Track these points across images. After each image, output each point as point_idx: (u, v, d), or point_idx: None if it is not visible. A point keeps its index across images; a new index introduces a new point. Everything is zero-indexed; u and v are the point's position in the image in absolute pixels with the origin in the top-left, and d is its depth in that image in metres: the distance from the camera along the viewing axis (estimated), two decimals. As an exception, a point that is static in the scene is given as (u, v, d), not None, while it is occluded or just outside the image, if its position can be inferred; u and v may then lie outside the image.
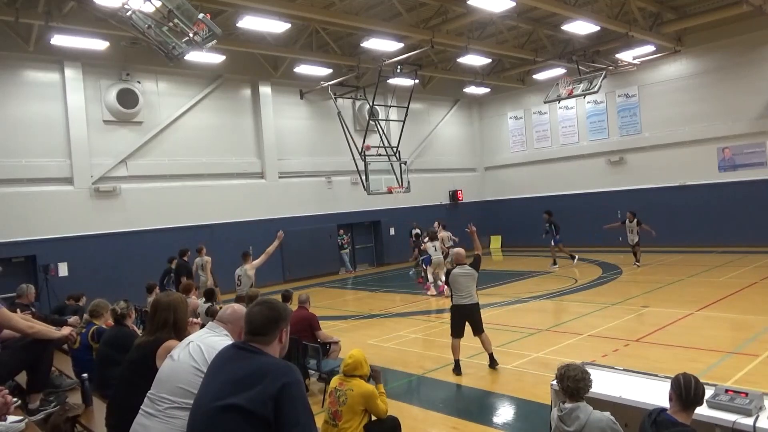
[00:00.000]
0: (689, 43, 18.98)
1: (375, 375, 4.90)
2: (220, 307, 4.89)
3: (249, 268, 10.47)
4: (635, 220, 16.33)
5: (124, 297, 5.76)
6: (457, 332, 7.89)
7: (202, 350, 3.01)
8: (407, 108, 19.57)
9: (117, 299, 5.57)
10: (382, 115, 20.84)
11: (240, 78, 18.62)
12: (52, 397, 4.77)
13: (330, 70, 18.75)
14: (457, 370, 7.86)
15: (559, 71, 20.14)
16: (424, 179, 22.98)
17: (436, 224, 17.34)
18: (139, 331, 5.89)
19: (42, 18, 12.74)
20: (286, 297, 7.77)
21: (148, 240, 15.95)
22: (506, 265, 16.01)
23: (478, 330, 7.84)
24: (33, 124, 14.71)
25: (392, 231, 18.53)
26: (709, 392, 3.69)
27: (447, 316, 11.65)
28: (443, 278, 15.17)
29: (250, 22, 13.59)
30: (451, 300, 7.97)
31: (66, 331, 4.86)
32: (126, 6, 9.75)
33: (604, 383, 4.25)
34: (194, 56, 13.02)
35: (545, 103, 20.79)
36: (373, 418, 4.72)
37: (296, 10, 13.66)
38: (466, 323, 7.85)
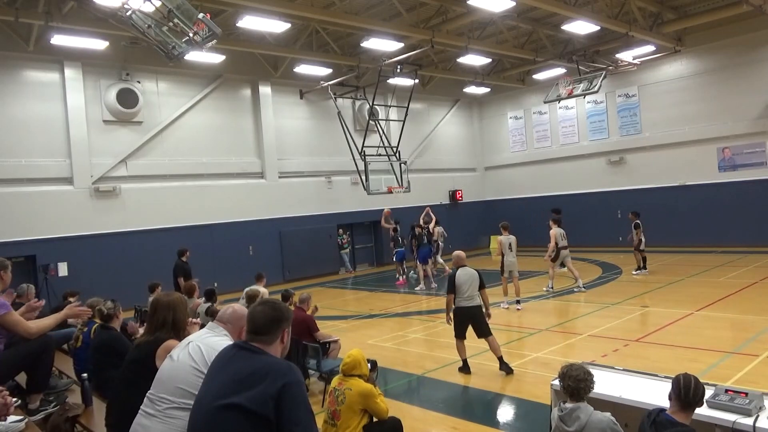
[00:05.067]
0: (689, 43, 18.97)
1: (370, 376, 4.89)
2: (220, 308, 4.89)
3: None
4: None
5: (113, 297, 5.76)
6: (460, 334, 7.78)
7: (201, 351, 3.01)
8: (407, 108, 19.56)
9: (116, 299, 5.56)
10: (382, 115, 20.84)
11: (240, 78, 18.62)
12: (52, 397, 4.77)
13: (330, 70, 18.74)
14: (465, 369, 7.80)
15: (559, 71, 20.14)
16: (424, 179, 22.98)
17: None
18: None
19: (42, 18, 12.72)
20: (286, 297, 7.77)
21: (148, 240, 15.94)
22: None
23: (483, 333, 7.69)
24: (33, 124, 14.71)
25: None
26: (709, 392, 3.69)
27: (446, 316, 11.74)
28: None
29: (250, 22, 13.58)
30: (454, 302, 7.76)
31: (73, 310, 4.78)
32: (126, 6, 9.76)
33: (603, 383, 4.24)
34: (194, 56, 13.00)
35: (545, 103, 20.78)
36: (375, 419, 4.71)
37: (296, 10, 13.66)
38: (469, 325, 7.73)
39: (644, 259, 15.34)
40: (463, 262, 7.90)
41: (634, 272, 15.16)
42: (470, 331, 7.77)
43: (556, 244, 13.43)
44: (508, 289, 12.37)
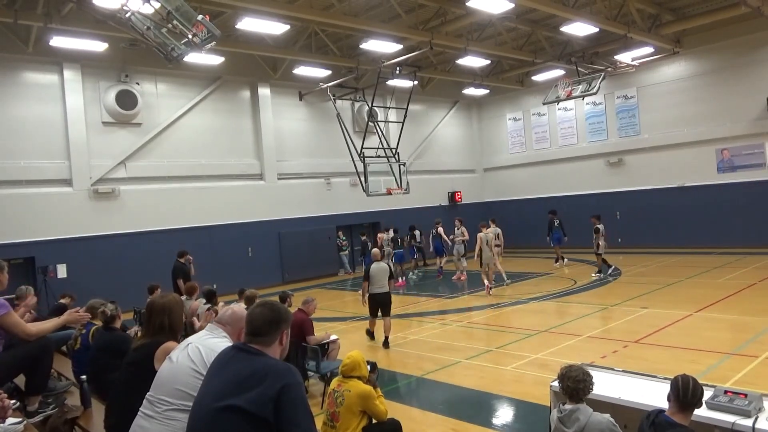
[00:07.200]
0: (688, 44, 19.00)
1: (371, 377, 4.87)
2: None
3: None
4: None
5: (112, 299, 5.75)
6: (373, 314, 9.93)
7: (201, 352, 3.01)
8: (406, 109, 19.57)
9: (115, 300, 5.54)
10: (381, 117, 20.84)
11: (239, 79, 18.62)
12: (51, 399, 4.76)
13: (329, 72, 18.75)
14: (370, 336, 10.12)
15: (557, 72, 20.16)
16: (424, 180, 22.98)
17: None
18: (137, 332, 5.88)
19: (41, 19, 12.71)
20: (284, 298, 7.75)
21: (147, 241, 15.92)
22: (505, 266, 15.91)
23: (386, 313, 9.77)
24: (32, 126, 14.70)
25: (391, 233, 18.53)
26: (708, 393, 3.70)
27: (447, 318, 11.79)
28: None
29: (250, 24, 13.59)
30: (369, 290, 9.74)
31: (73, 316, 4.79)
32: (125, 7, 9.75)
33: (602, 384, 4.24)
34: (193, 58, 13.01)
35: (544, 104, 20.79)
36: (374, 420, 4.71)
37: (295, 12, 13.67)
38: (379, 308, 9.78)
39: (605, 261, 15.48)
40: (377, 258, 10.18)
41: (593, 275, 15.29)
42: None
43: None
44: (490, 276, 14.01)
